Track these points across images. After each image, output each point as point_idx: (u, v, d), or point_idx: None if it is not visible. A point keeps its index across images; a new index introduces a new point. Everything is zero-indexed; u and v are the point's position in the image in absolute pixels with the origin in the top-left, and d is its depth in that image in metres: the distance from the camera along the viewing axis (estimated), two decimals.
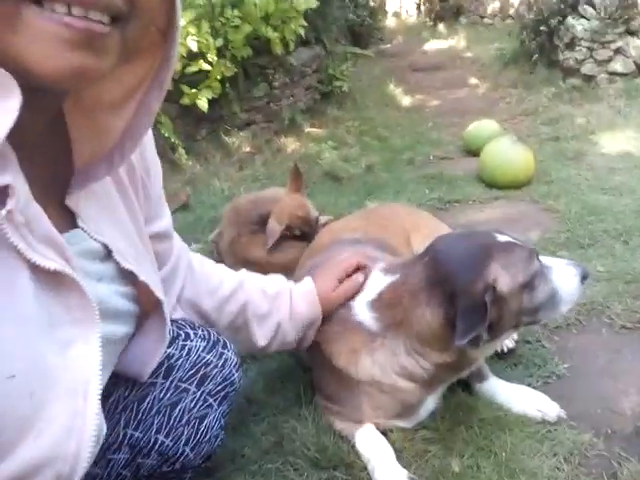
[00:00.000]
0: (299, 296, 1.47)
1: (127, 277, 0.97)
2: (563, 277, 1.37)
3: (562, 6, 5.50)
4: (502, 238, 1.36)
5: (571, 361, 1.78)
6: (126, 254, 0.94)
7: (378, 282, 1.46)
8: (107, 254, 0.92)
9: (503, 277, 1.27)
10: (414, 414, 1.49)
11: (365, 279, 1.49)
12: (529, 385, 1.65)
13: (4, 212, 0.63)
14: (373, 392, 1.43)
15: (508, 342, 1.77)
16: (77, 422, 0.76)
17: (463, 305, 1.24)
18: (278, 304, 1.44)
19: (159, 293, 1.03)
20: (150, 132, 1.08)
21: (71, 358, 0.75)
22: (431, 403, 1.50)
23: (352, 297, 1.47)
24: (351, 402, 1.47)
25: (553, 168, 3.59)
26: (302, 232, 2.41)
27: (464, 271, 1.29)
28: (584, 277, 1.39)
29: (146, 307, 1.05)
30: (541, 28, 5.67)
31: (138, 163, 1.03)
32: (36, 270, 0.70)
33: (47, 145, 0.75)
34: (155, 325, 1.08)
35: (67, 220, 0.86)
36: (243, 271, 1.50)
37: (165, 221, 1.20)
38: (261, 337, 1.43)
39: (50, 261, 0.70)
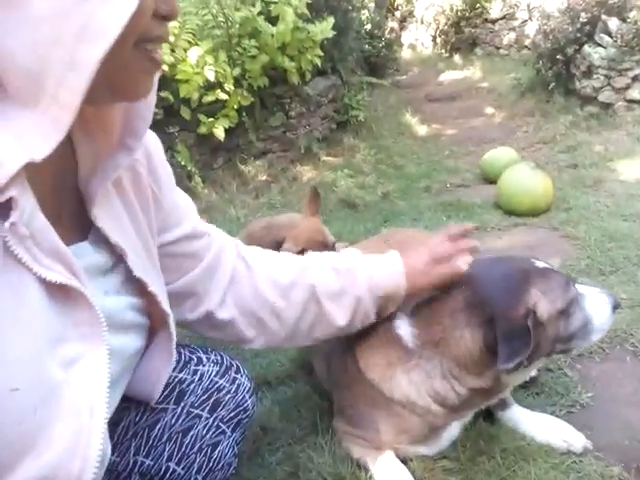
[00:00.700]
0: (379, 267, 1.33)
1: (134, 288, 0.95)
2: (596, 305, 1.35)
3: (578, 35, 5.51)
4: (540, 264, 1.35)
5: (595, 390, 1.72)
6: (136, 263, 0.93)
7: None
8: (112, 266, 0.91)
9: (543, 302, 1.26)
10: (438, 440, 1.44)
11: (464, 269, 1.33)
12: (552, 414, 1.59)
13: (7, 225, 0.63)
14: (403, 413, 1.37)
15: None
16: (82, 440, 0.73)
17: (504, 329, 1.22)
18: (352, 278, 1.30)
19: (166, 306, 1.01)
20: (159, 144, 1.07)
21: (77, 374, 0.73)
22: (456, 429, 1.45)
23: (446, 285, 1.34)
24: (375, 424, 1.41)
25: (572, 195, 3.55)
26: None
27: (504, 295, 1.27)
28: (615, 306, 1.37)
29: (154, 321, 1.03)
30: (557, 57, 5.67)
31: (146, 175, 1.01)
32: (44, 284, 0.69)
33: (54, 154, 0.74)
34: (163, 341, 1.06)
35: (75, 232, 0.85)
36: (309, 254, 1.39)
37: (187, 225, 1.15)
38: (340, 316, 1.30)
39: (57, 274, 0.69)
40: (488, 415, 1.57)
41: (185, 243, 1.15)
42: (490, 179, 3.99)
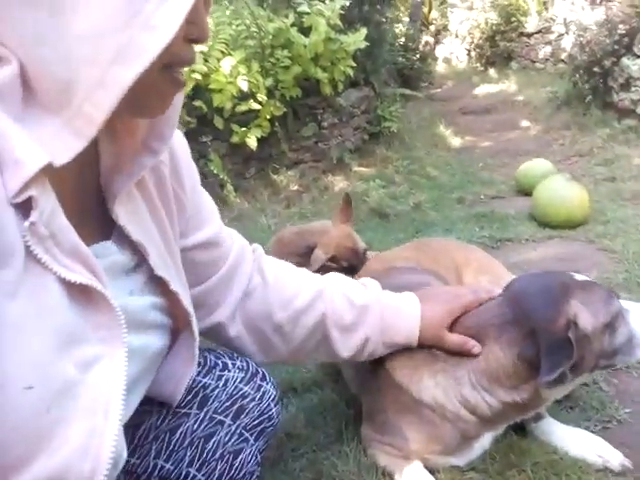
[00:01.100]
0: (395, 313, 1.32)
1: (157, 287, 0.95)
2: None
3: (616, 47, 5.42)
4: (579, 277, 1.33)
5: (633, 406, 1.64)
6: (157, 262, 0.92)
7: None
8: (135, 266, 0.90)
9: (584, 314, 1.23)
10: (469, 451, 1.39)
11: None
12: (587, 429, 1.52)
13: (27, 224, 0.62)
14: (434, 420, 1.33)
15: None
16: (94, 441, 0.72)
17: (546, 342, 1.20)
18: (365, 318, 1.30)
19: (189, 306, 1.00)
20: (184, 144, 1.07)
21: (94, 376, 0.72)
22: (488, 440, 1.40)
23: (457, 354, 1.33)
24: (405, 431, 1.37)
25: (609, 208, 3.47)
26: (349, 264, 2.35)
27: (543, 308, 1.25)
28: None
29: (176, 321, 1.02)
30: (595, 69, 5.58)
31: (170, 176, 1.00)
32: (64, 284, 0.68)
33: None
34: (185, 341, 1.05)
35: (98, 231, 0.84)
36: (329, 275, 1.38)
37: (209, 230, 1.14)
38: (344, 349, 1.30)
39: (77, 274, 0.69)
40: (519, 426, 1.51)
41: (204, 250, 1.15)
42: (525, 191, 3.93)
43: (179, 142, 1.04)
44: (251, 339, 1.25)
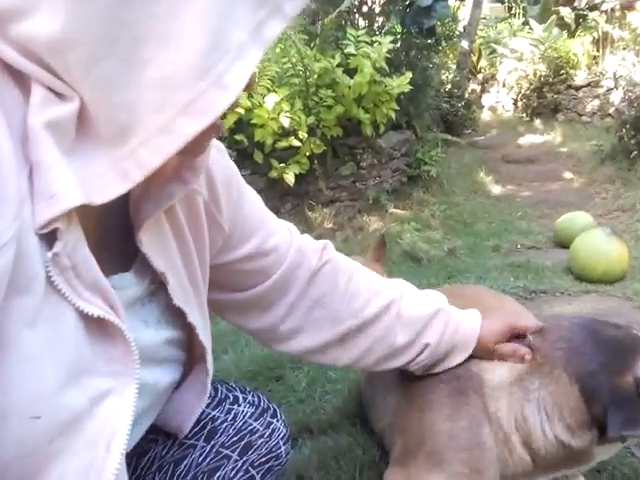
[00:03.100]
0: (457, 327, 1.30)
1: (174, 319, 0.93)
2: None
3: None
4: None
5: None
6: (176, 292, 0.90)
7: None
8: (151, 295, 0.89)
9: None
10: None
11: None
12: None
13: (50, 255, 0.62)
14: (485, 441, 1.26)
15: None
16: (92, 473, 0.69)
17: (610, 393, 1.16)
18: (431, 324, 1.28)
19: (205, 340, 0.97)
20: (224, 163, 1.04)
21: (102, 410, 0.70)
22: None
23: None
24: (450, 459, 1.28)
25: None
26: None
27: (613, 357, 1.21)
28: None
29: (191, 354, 1.00)
30: None
31: (206, 201, 0.98)
32: (81, 316, 0.67)
33: None
34: (198, 375, 1.03)
35: (118, 262, 0.83)
36: (396, 282, 1.35)
37: (256, 240, 1.11)
38: (402, 335, 1.27)
39: (95, 308, 0.68)
40: None
41: (251, 261, 1.12)
42: (563, 243, 3.85)
43: (216, 161, 1.01)
44: (310, 343, 1.23)
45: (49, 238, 0.62)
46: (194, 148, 0.72)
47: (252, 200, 1.14)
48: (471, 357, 1.32)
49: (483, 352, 1.31)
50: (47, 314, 0.63)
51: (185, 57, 0.62)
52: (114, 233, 0.83)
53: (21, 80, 0.62)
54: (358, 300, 1.23)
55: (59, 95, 0.63)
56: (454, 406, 1.29)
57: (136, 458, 1.06)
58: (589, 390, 1.18)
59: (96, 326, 0.69)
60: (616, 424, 1.14)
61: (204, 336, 0.97)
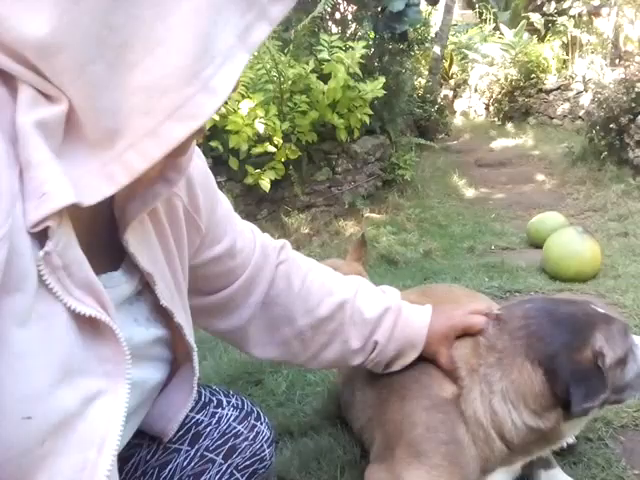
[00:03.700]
0: (407, 324, 1.33)
1: (161, 319, 0.94)
2: None
3: (633, 104, 5.45)
4: (600, 309, 1.34)
5: None
6: (163, 293, 0.91)
7: None
8: (139, 295, 0.90)
9: (606, 349, 1.23)
10: None
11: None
12: None
13: (42, 254, 0.62)
14: (463, 440, 1.28)
15: (569, 438, 1.62)
16: (84, 475, 0.69)
17: (570, 370, 1.20)
18: (380, 323, 1.31)
19: (191, 340, 0.99)
20: (200, 165, 1.06)
21: (94, 410, 0.70)
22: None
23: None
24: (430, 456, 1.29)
25: (621, 263, 3.44)
26: None
27: (569, 335, 1.25)
28: None
29: (177, 354, 1.00)
30: (611, 126, 5.60)
31: (185, 204, 1.00)
32: (73, 315, 0.67)
33: None
34: (185, 376, 1.03)
35: (106, 261, 0.84)
36: (352, 279, 1.37)
37: (225, 243, 1.14)
38: (357, 357, 1.33)
39: (87, 307, 0.68)
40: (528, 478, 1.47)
41: (220, 262, 1.14)
42: (537, 243, 3.91)
43: (194, 164, 1.02)
44: (269, 340, 1.26)
45: (40, 237, 0.62)
46: (178, 149, 0.73)
47: (223, 203, 1.16)
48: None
49: (426, 352, 1.33)
50: (39, 313, 0.63)
51: (173, 61, 0.63)
52: (101, 233, 0.83)
53: (7, 80, 0.62)
54: (312, 299, 1.26)
55: (47, 97, 0.63)
56: (433, 399, 1.31)
57: (121, 463, 1.05)
58: (551, 371, 1.21)
59: (88, 325, 0.69)
60: (579, 400, 1.17)
61: (190, 337, 0.98)
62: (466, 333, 1.33)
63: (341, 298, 1.28)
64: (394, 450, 1.32)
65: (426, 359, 1.35)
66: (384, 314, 1.30)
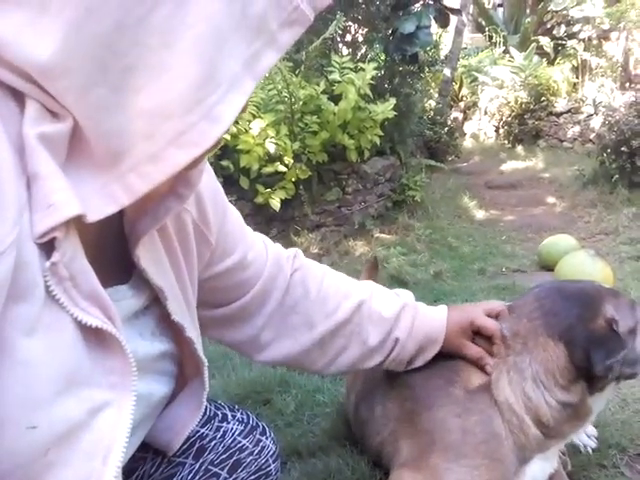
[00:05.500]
0: (424, 320, 1.34)
1: (171, 333, 0.93)
2: None
3: None
4: (607, 286, 1.42)
5: None
6: (174, 308, 0.91)
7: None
8: (145, 309, 0.89)
9: (617, 317, 1.29)
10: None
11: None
12: None
13: (48, 264, 0.62)
14: (500, 432, 1.29)
15: (590, 442, 1.67)
16: None
17: (588, 337, 1.26)
18: (398, 322, 1.32)
19: (201, 354, 0.98)
20: (209, 180, 1.06)
21: (100, 421, 0.70)
22: (538, 470, 1.35)
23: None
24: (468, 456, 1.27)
25: (633, 287, 3.40)
26: None
27: (581, 307, 1.31)
28: None
29: (187, 368, 0.99)
30: (622, 149, 5.60)
31: (194, 219, 1.00)
32: (79, 326, 0.67)
33: None
34: (194, 390, 1.02)
35: (115, 275, 0.83)
36: (368, 284, 1.39)
37: (236, 255, 1.14)
38: (375, 356, 1.33)
39: (93, 318, 0.67)
40: None
41: (233, 274, 1.14)
42: (548, 266, 3.89)
43: (204, 178, 1.00)
44: (286, 348, 1.26)
45: (47, 248, 0.62)
46: (190, 165, 0.73)
47: (234, 216, 1.16)
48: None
49: (448, 346, 1.36)
50: (45, 323, 0.63)
51: (177, 88, 0.63)
52: (109, 246, 0.83)
53: (16, 94, 0.62)
54: (329, 304, 1.27)
55: (53, 114, 0.63)
56: (463, 403, 1.32)
57: (124, 476, 1.04)
58: (570, 342, 1.27)
59: (94, 337, 0.69)
60: (601, 358, 1.22)
61: (200, 350, 0.98)
62: (479, 332, 1.36)
63: (358, 300, 1.29)
64: (429, 459, 1.29)
65: (443, 361, 1.37)
66: (401, 311, 1.32)
